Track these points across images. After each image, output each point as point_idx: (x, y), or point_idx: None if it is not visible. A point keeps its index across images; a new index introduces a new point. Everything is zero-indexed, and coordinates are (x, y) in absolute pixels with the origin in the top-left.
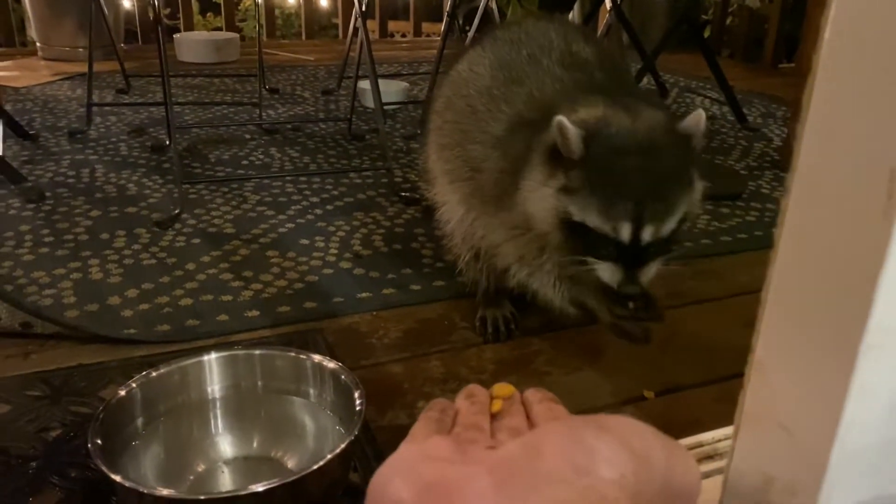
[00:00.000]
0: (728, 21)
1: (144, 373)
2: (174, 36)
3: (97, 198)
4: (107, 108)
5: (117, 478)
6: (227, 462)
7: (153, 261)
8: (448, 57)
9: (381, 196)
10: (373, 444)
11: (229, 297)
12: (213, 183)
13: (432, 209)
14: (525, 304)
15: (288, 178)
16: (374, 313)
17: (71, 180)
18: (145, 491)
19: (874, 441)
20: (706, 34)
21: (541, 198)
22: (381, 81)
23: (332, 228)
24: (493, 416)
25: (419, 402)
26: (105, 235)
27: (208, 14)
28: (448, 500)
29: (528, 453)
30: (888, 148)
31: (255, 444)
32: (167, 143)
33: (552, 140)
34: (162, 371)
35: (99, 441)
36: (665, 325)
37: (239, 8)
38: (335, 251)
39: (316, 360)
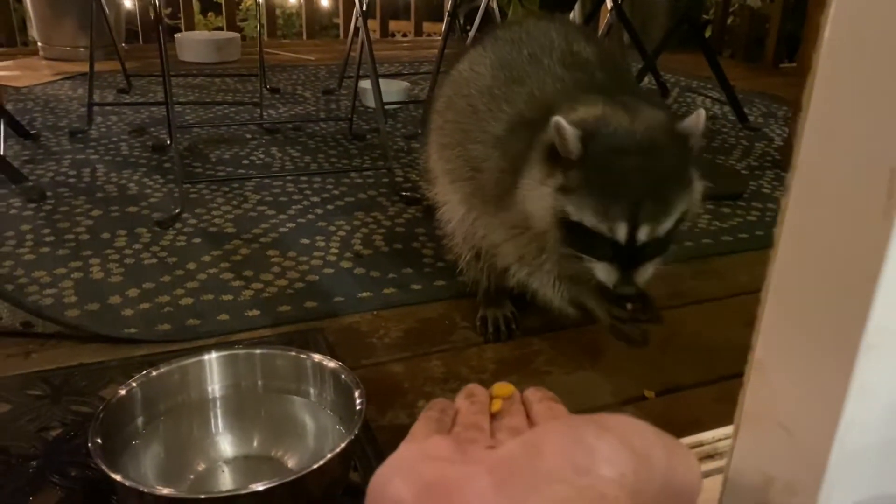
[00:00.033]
0: (729, 21)
1: (145, 372)
2: (175, 36)
3: (98, 197)
4: (108, 107)
5: (117, 477)
6: (227, 461)
7: (154, 260)
8: (449, 56)
9: (381, 196)
10: (373, 444)
11: (230, 297)
12: (213, 182)
13: (433, 209)
14: (525, 304)
15: (289, 177)
16: (375, 313)
17: (72, 180)
18: (145, 490)
19: (874, 441)
20: (707, 34)
21: (539, 197)
22: (381, 81)
23: (332, 228)
24: (493, 416)
25: (420, 401)
26: (106, 235)
27: (209, 14)
28: (448, 499)
29: (527, 452)
30: (888, 147)
31: (255, 444)
32: (168, 142)
33: (551, 140)
34: (162, 370)
35: (99, 440)
36: (666, 325)
37: (240, 8)
38: (336, 251)
39: (316, 360)
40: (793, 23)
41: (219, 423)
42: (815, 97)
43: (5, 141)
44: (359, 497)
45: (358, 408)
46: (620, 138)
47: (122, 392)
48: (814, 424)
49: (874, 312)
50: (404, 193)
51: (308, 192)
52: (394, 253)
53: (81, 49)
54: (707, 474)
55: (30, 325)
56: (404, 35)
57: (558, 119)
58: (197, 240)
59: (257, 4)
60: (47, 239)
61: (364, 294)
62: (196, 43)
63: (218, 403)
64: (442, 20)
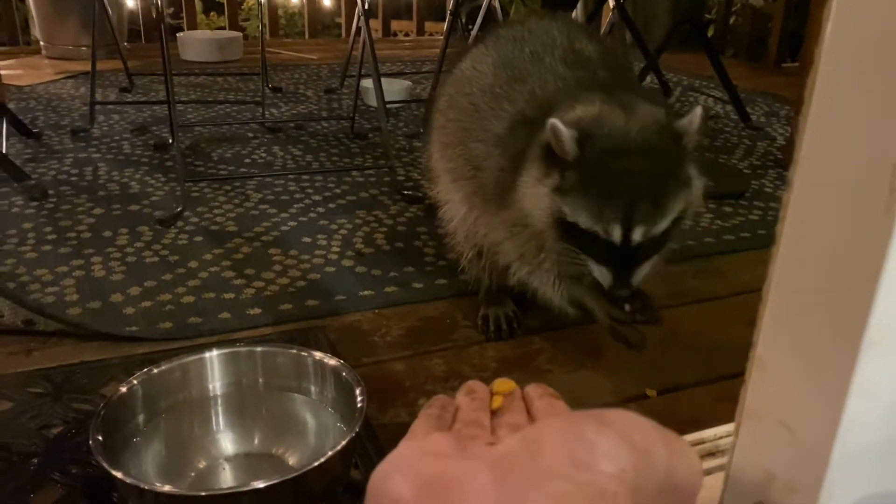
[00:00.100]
0: (731, 20)
1: (146, 370)
2: (177, 35)
3: (100, 196)
4: (110, 106)
5: (118, 474)
6: (228, 459)
7: (155, 258)
8: (451, 55)
9: (383, 194)
10: (374, 442)
11: (231, 295)
12: (215, 181)
13: (435, 207)
14: (527, 303)
15: (290, 176)
16: (376, 311)
17: (74, 178)
18: (146, 487)
19: (875, 439)
20: (709, 33)
21: (536, 196)
22: (383, 80)
23: (334, 226)
24: (494, 413)
25: (421, 399)
26: (108, 233)
27: (211, 13)
28: (448, 495)
29: (527, 448)
30: (890, 143)
31: (256, 441)
32: (170, 141)
33: (548, 140)
34: (163, 368)
35: (100, 438)
36: (667, 324)
37: (242, 7)
38: (337, 249)
39: (317, 358)
40: (795, 22)
41: (220, 420)
42: (816, 92)
43: (8, 139)
44: (359, 494)
45: (359, 405)
46: (616, 139)
47: (123, 389)
48: (815, 422)
49: (876, 309)
50: (406, 192)
51: (310, 190)
52: (395, 251)
53: (84, 48)
54: (708, 472)
55: (31, 322)
56: (406, 34)
57: (554, 121)
58: (198, 238)
59: (259, 4)
60: (49, 237)
61: (365, 292)
62: (198, 42)
63: (219, 401)
64: (444, 20)
